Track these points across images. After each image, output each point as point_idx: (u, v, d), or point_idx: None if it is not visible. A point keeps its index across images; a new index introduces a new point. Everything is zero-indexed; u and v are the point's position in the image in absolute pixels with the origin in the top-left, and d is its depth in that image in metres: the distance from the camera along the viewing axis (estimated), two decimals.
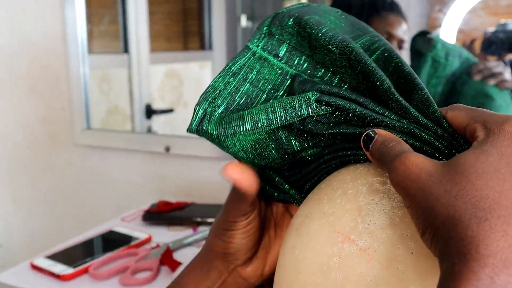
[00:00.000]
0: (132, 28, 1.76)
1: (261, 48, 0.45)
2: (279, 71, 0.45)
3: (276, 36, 0.45)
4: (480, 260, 0.24)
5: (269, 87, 0.45)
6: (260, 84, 0.45)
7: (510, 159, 0.27)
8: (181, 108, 1.93)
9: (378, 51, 0.41)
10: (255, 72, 0.45)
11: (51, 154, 1.79)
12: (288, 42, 0.45)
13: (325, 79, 0.43)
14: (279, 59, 0.45)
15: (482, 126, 0.30)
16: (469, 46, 1.27)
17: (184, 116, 1.93)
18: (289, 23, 0.44)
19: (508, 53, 1.23)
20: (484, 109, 0.32)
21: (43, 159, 1.82)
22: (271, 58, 0.45)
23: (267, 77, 0.45)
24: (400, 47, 1.29)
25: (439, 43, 1.23)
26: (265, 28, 0.46)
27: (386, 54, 0.41)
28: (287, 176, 0.47)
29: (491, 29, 1.25)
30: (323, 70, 0.43)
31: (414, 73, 0.38)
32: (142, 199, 1.63)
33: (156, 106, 1.84)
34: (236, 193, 0.44)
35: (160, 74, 1.87)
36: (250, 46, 0.46)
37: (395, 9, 1.29)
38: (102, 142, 1.68)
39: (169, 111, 1.88)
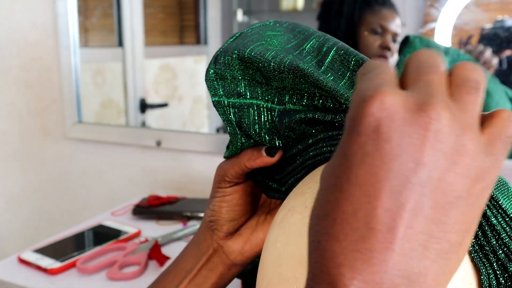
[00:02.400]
0: (126, 22, 1.75)
1: (224, 95, 0.45)
2: (252, 110, 0.45)
3: (229, 78, 0.44)
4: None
5: (257, 129, 0.46)
6: (252, 130, 0.46)
7: (360, 167, 0.24)
8: (176, 103, 1.92)
9: (332, 52, 0.40)
10: (238, 122, 0.46)
11: (42, 146, 1.78)
12: (242, 77, 0.44)
13: (294, 100, 0.42)
14: (243, 96, 0.44)
15: (350, 105, 0.26)
16: (466, 43, 1.27)
17: (178, 111, 1.92)
18: (234, 62, 0.43)
19: (505, 50, 1.23)
20: (366, 76, 0.27)
21: (33, 152, 1.80)
22: (236, 100, 0.45)
23: (249, 121, 0.46)
24: (394, 40, 1.29)
25: (416, 39, 1.25)
26: (212, 75, 0.44)
27: (341, 52, 0.40)
28: (274, 174, 0.49)
29: (488, 25, 1.24)
30: (289, 93, 0.42)
31: None
32: (132, 193, 1.62)
33: (150, 100, 1.83)
34: (239, 159, 0.48)
35: (154, 68, 1.86)
36: (214, 100, 0.46)
37: (388, 3, 1.29)
38: (93, 135, 1.67)
39: (164, 105, 1.87)
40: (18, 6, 1.71)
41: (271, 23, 0.45)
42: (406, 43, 1.26)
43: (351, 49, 0.39)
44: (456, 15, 1.31)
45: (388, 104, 0.24)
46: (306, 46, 0.41)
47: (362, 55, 0.39)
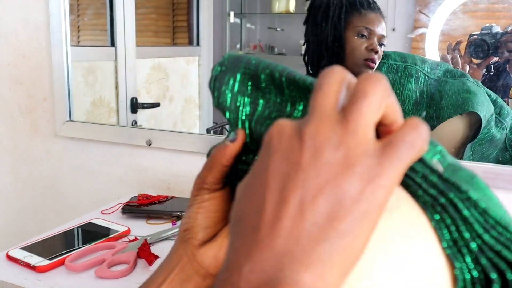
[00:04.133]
0: (119, 22, 1.75)
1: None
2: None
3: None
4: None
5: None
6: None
7: (256, 173, 0.30)
8: (167, 103, 1.92)
9: (283, 77, 0.41)
10: None
11: (32, 144, 1.78)
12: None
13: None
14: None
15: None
16: (454, 48, 1.28)
17: (169, 111, 1.93)
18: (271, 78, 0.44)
19: (493, 56, 1.25)
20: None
21: (23, 149, 1.80)
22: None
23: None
24: (381, 44, 1.31)
25: (390, 52, 1.28)
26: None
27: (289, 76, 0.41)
28: None
29: (476, 32, 1.26)
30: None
31: (304, 77, 0.39)
32: (122, 192, 1.62)
33: (141, 100, 1.83)
34: (212, 160, 0.47)
35: (146, 68, 1.86)
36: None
37: (374, 7, 1.31)
38: (83, 134, 1.67)
39: (156, 105, 1.88)
40: (10, 3, 1.70)
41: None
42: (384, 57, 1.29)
43: (288, 69, 0.41)
44: (443, 21, 1.32)
45: (279, 126, 0.30)
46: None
47: (294, 74, 0.40)
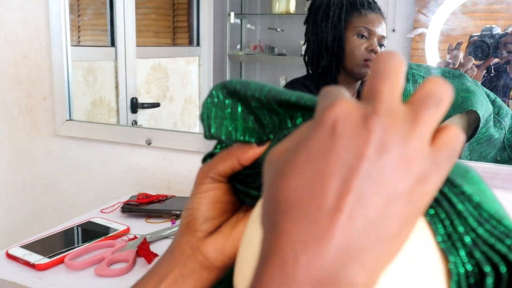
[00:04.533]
0: (119, 22, 1.76)
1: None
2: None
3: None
4: (267, 263, 0.28)
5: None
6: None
7: (315, 155, 0.28)
8: (167, 103, 1.92)
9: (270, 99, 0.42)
10: None
11: (32, 143, 1.78)
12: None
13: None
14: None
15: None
16: (455, 49, 1.28)
17: (169, 111, 1.93)
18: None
19: (493, 57, 1.25)
20: (326, 95, 0.31)
21: (23, 148, 1.80)
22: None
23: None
24: (380, 44, 1.31)
25: None
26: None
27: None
28: (252, 182, 0.48)
29: (477, 33, 1.26)
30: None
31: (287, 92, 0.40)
32: (122, 191, 1.62)
33: (142, 100, 1.83)
34: (229, 154, 0.46)
35: (146, 68, 1.87)
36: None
37: (374, 7, 1.31)
38: (83, 133, 1.67)
39: (156, 105, 1.88)
40: (10, 3, 1.71)
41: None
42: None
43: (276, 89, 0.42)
44: (443, 21, 1.32)
45: (343, 109, 0.28)
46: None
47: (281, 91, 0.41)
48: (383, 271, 0.28)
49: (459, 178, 0.33)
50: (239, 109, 0.45)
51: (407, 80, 1.28)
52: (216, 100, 0.46)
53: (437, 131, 0.30)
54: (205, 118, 0.46)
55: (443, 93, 0.29)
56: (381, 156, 0.27)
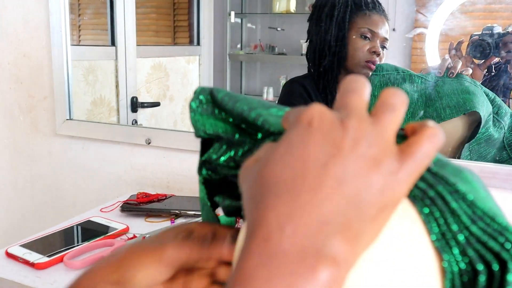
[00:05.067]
0: (119, 21, 1.76)
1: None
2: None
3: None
4: (251, 235, 0.30)
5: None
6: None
7: (295, 144, 0.31)
8: (167, 102, 1.93)
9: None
10: None
11: (32, 143, 1.79)
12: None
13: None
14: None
15: (287, 121, 0.35)
16: (456, 49, 1.28)
17: (169, 110, 1.93)
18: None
19: (494, 57, 1.25)
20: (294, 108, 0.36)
21: (23, 148, 1.81)
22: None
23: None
24: (383, 47, 1.31)
25: (382, 64, 1.31)
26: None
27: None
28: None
29: (477, 32, 1.26)
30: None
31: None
32: (121, 190, 1.62)
33: (142, 99, 1.83)
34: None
35: (146, 68, 1.87)
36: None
37: (378, 9, 1.31)
38: (83, 132, 1.67)
39: (156, 105, 1.88)
40: (10, 2, 1.71)
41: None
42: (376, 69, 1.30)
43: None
44: (443, 21, 1.32)
45: (318, 110, 0.32)
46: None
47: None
48: (364, 249, 0.30)
49: (453, 177, 0.33)
50: (222, 114, 0.46)
51: (404, 80, 1.28)
52: (202, 105, 0.47)
53: (414, 129, 0.33)
54: (192, 121, 0.47)
55: (397, 101, 0.33)
56: (354, 149, 0.30)
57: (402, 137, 0.34)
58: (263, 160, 0.33)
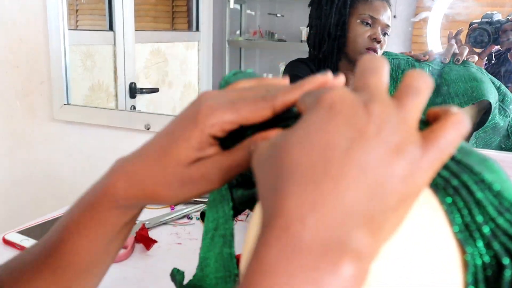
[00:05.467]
0: (117, 6, 1.74)
1: None
2: None
3: None
4: (269, 224, 0.28)
5: None
6: None
7: (316, 128, 0.29)
8: (166, 88, 1.91)
9: None
10: None
11: (29, 128, 1.77)
12: None
13: None
14: None
15: (304, 104, 0.33)
16: (455, 38, 1.27)
17: (168, 96, 1.92)
18: None
19: (494, 45, 1.23)
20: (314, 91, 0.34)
21: (20, 133, 1.79)
22: None
23: None
24: (384, 33, 1.29)
25: (388, 51, 1.31)
26: None
27: None
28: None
29: (477, 20, 1.24)
30: None
31: None
32: None
33: (140, 85, 1.82)
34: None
35: (145, 53, 1.85)
36: None
37: None
38: (81, 118, 1.66)
39: (155, 90, 1.86)
40: None
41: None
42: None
43: None
44: (447, 5, 1.31)
45: (340, 92, 0.30)
46: None
47: None
48: (385, 241, 0.29)
49: (478, 166, 0.31)
50: None
51: (413, 66, 1.27)
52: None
53: (437, 114, 0.32)
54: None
55: (422, 84, 0.31)
56: (378, 135, 0.29)
57: (424, 123, 0.32)
58: (280, 145, 0.31)
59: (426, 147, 0.29)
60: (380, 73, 0.33)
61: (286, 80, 0.46)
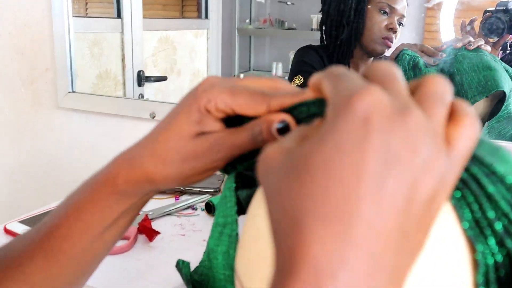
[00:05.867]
0: None
1: None
2: None
3: None
4: (293, 275, 0.24)
5: None
6: None
7: (348, 148, 0.25)
8: (174, 76, 1.89)
9: None
10: None
11: (34, 116, 1.76)
12: None
13: None
14: None
15: (330, 103, 0.28)
16: (469, 25, 1.24)
17: (176, 85, 1.90)
18: None
19: (508, 34, 1.20)
20: (342, 78, 0.29)
21: (25, 121, 1.78)
22: None
23: None
24: (400, 23, 1.28)
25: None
26: None
27: None
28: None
29: (491, 8, 1.21)
30: None
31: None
32: None
33: (148, 73, 1.80)
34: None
35: (153, 41, 1.83)
36: None
37: None
38: (86, 106, 1.65)
39: (163, 79, 1.85)
40: None
41: None
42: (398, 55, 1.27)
43: None
44: None
45: (377, 98, 0.25)
46: None
47: None
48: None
49: (489, 156, 0.28)
50: None
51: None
52: None
53: (453, 114, 0.28)
54: None
55: (446, 92, 0.28)
56: (413, 159, 0.25)
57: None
58: (301, 158, 0.26)
59: (450, 159, 0.26)
60: (400, 80, 0.29)
61: (296, 89, 0.42)
